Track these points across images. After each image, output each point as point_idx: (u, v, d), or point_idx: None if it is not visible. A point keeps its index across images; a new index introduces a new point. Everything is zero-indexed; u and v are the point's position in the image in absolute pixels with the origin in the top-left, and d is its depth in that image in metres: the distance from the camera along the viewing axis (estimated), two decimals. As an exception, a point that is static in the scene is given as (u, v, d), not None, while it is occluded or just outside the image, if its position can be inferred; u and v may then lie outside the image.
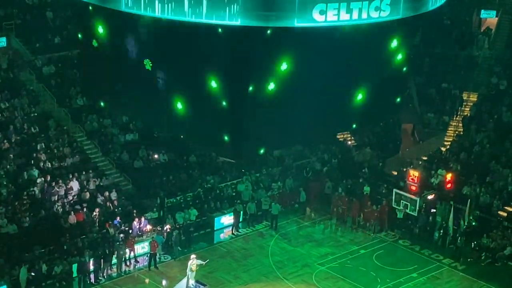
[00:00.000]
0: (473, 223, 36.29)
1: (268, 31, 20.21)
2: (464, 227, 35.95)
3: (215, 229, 37.54)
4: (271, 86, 25.78)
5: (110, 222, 34.85)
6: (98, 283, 32.76)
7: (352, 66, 26.70)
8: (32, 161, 36.57)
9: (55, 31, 42.70)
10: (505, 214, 36.97)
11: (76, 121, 39.89)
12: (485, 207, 37.43)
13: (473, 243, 35.87)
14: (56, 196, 35.31)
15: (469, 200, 36.43)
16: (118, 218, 35.19)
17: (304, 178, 41.39)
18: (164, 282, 32.88)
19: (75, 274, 32.42)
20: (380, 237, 37.36)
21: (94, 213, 35.12)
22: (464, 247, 35.73)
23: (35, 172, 35.84)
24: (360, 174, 41.17)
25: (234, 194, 39.40)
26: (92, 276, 32.85)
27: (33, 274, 31.35)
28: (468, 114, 44.51)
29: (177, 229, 35.62)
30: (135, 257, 34.44)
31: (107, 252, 33.38)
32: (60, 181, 35.91)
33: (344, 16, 18.96)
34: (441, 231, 36.67)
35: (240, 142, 21.61)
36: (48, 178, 35.81)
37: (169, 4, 18.80)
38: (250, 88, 24.22)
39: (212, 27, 20.59)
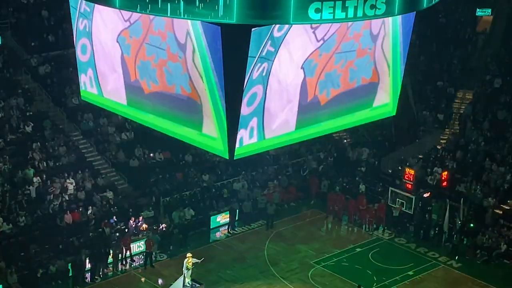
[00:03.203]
0: (471, 225, 36.31)
1: None
2: (460, 225, 36.02)
3: (211, 227, 37.56)
4: None
5: (106, 221, 34.84)
6: (94, 282, 32.75)
7: None
8: (28, 160, 36.55)
9: (50, 30, 42.64)
10: (500, 212, 37.02)
11: (71, 120, 39.87)
12: (481, 205, 37.46)
13: (468, 241, 35.94)
14: (52, 195, 35.28)
15: (462, 198, 36.53)
16: (114, 217, 35.20)
17: (300, 176, 41.48)
18: (160, 281, 32.92)
19: (70, 273, 32.42)
20: (376, 235, 37.40)
21: (90, 212, 35.11)
22: (459, 245, 35.80)
23: (31, 171, 35.79)
24: (356, 172, 41.22)
25: (230, 193, 39.43)
26: (88, 275, 32.85)
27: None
28: (464, 112, 44.57)
29: (176, 227, 35.67)
30: (131, 256, 34.42)
31: (103, 251, 33.38)
32: (56, 180, 35.90)
33: (340, 14, 18.85)
34: (437, 229, 36.73)
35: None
36: (44, 177, 35.80)
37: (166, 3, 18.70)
38: None
39: None
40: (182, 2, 18.33)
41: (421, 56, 47.24)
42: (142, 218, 35.56)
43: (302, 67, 21.38)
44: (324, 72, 21.95)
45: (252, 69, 20.03)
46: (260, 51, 19.76)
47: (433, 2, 21.33)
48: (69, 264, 32.35)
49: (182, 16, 18.57)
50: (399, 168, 40.33)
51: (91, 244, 33.65)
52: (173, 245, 35.34)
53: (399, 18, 23.01)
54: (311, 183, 40.90)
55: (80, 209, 35.16)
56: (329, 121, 23.00)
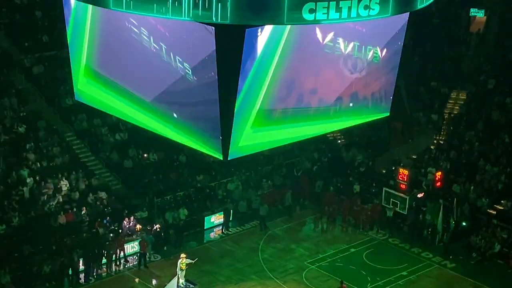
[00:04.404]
0: (463, 223, 36.40)
1: None
2: (453, 225, 36.07)
3: (205, 228, 37.55)
4: None
5: (99, 220, 34.79)
6: (88, 283, 32.69)
7: None
8: (22, 160, 36.46)
9: (44, 30, 42.56)
10: (494, 212, 37.07)
11: (65, 121, 39.79)
12: (475, 206, 37.52)
13: (461, 241, 36.02)
14: (46, 196, 35.21)
15: (455, 198, 36.57)
16: (107, 218, 35.15)
17: (294, 177, 41.46)
18: (154, 282, 32.88)
19: (64, 274, 32.35)
20: (370, 236, 37.41)
21: (84, 213, 35.04)
22: (453, 245, 35.85)
23: (25, 172, 35.72)
24: (350, 172, 41.23)
25: (225, 193, 39.43)
26: (82, 276, 32.80)
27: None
28: (458, 113, 44.63)
29: (171, 228, 35.65)
30: (125, 256, 34.38)
31: (97, 252, 33.32)
32: (50, 180, 35.81)
33: (334, 14, 18.90)
34: (430, 229, 36.76)
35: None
36: (38, 177, 35.72)
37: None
38: None
39: None
40: (175, 3, 18.34)
41: (414, 56, 47.28)
42: (134, 218, 35.46)
43: None
44: None
45: None
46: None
47: (427, 3, 21.40)
48: (66, 265, 32.28)
49: (177, 17, 18.58)
50: (393, 168, 40.35)
51: (85, 244, 33.60)
52: (168, 246, 35.34)
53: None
54: (302, 182, 40.82)
55: (74, 210, 35.10)
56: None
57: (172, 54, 21.22)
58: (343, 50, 22.73)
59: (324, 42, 22.07)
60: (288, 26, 20.70)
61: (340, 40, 22.45)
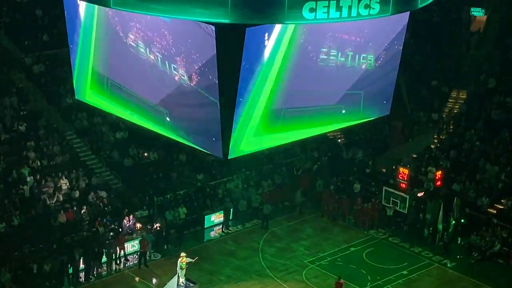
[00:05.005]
0: (462, 221, 36.43)
1: None
2: (453, 224, 36.07)
3: (205, 227, 37.56)
4: None
5: (100, 219, 34.80)
6: (88, 282, 32.71)
7: None
8: (22, 159, 36.48)
9: (44, 29, 42.57)
10: (494, 211, 37.07)
11: (65, 120, 39.80)
12: (474, 205, 37.52)
13: (461, 241, 36.03)
14: (46, 195, 35.22)
15: (455, 198, 36.57)
16: (107, 216, 35.16)
17: (294, 176, 41.46)
18: (154, 281, 32.87)
19: (66, 273, 32.36)
20: (370, 235, 37.41)
21: (84, 211, 35.05)
22: (453, 244, 35.86)
23: (26, 171, 35.73)
24: (350, 171, 41.22)
25: (225, 192, 39.45)
26: (82, 274, 32.81)
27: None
28: (458, 112, 44.62)
29: (172, 227, 35.65)
30: (125, 255, 34.38)
31: (97, 251, 33.34)
32: (50, 179, 35.82)
33: (334, 13, 18.86)
34: (431, 229, 36.78)
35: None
36: (38, 176, 35.73)
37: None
38: None
39: None
40: (175, 2, 18.31)
41: (415, 55, 47.25)
42: (133, 217, 35.45)
43: None
44: None
45: None
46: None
47: (427, 2, 21.37)
48: (67, 264, 32.31)
49: (176, 16, 18.55)
50: (393, 167, 40.34)
51: (85, 243, 33.62)
52: (169, 245, 35.35)
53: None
54: (302, 182, 40.81)
55: (74, 208, 35.11)
56: None
57: (167, 63, 21.24)
58: (336, 61, 22.72)
59: (320, 56, 22.11)
60: (288, 35, 20.74)
61: (334, 51, 22.46)
